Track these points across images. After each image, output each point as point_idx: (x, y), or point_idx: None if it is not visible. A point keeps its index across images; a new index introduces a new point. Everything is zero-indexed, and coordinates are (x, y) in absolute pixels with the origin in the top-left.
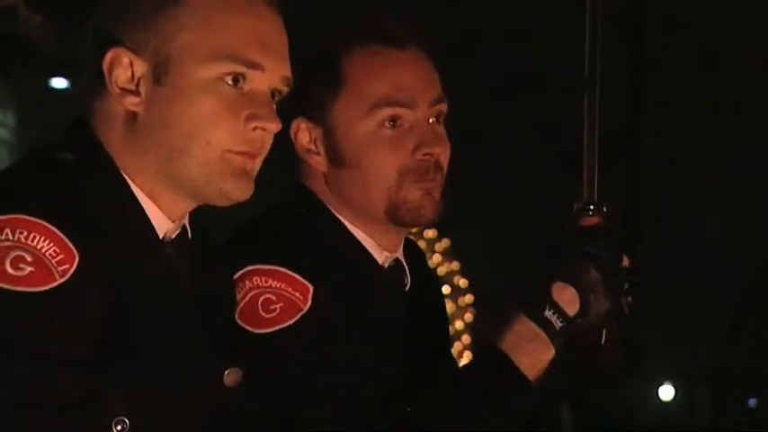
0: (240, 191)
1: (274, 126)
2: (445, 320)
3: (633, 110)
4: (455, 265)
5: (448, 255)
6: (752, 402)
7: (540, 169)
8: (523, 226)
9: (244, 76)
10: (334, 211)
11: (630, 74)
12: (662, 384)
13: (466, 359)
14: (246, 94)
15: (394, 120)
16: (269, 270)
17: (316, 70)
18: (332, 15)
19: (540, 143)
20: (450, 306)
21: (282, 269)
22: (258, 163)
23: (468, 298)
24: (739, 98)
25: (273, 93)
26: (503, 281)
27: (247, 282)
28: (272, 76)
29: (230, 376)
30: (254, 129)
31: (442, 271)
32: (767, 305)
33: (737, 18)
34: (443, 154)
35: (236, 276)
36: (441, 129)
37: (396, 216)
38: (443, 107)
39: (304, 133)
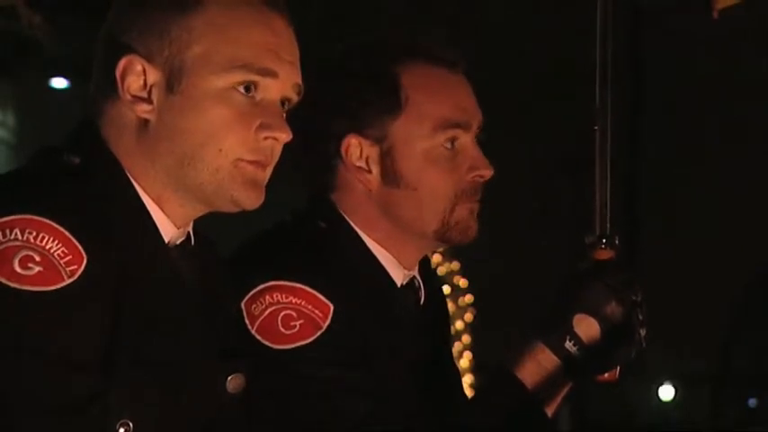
0: (250, 199)
1: (285, 136)
2: (450, 329)
3: (632, 111)
4: (455, 265)
5: (448, 255)
6: (752, 402)
7: (540, 169)
8: (523, 226)
9: (256, 85)
10: (358, 229)
11: (629, 74)
12: (662, 384)
13: (466, 359)
14: (258, 104)
15: (452, 141)
16: (291, 287)
17: (373, 89)
18: (383, 33)
19: (541, 143)
20: (450, 306)
21: (305, 287)
22: (269, 172)
23: (468, 298)
24: (740, 99)
25: (283, 101)
26: (503, 280)
27: (267, 296)
28: (285, 83)
29: (233, 382)
30: (266, 138)
31: (442, 271)
32: (767, 305)
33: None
34: (488, 177)
35: (256, 290)
36: None
37: (445, 235)
38: (479, 130)
39: (355, 149)
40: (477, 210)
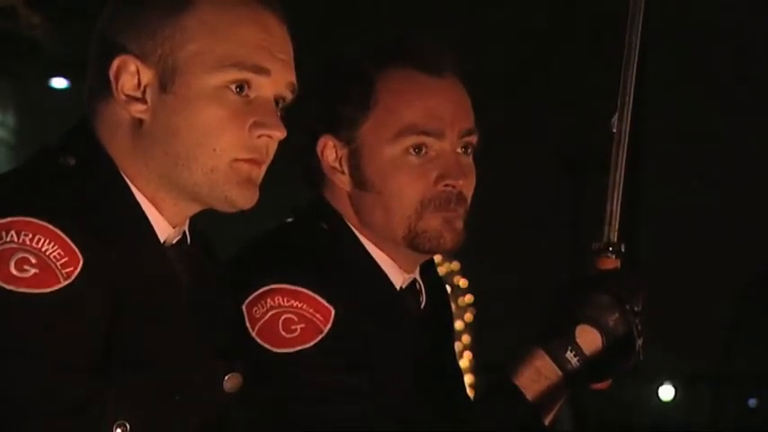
0: (245, 199)
1: (279, 134)
2: (453, 332)
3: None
4: (455, 265)
5: (448, 255)
6: (752, 402)
7: (540, 169)
8: (523, 226)
9: (249, 84)
10: (356, 231)
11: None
12: (662, 384)
13: (466, 359)
14: (252, 102)
15: (419, 147)
16: (293, 290)
17: (349, 88)
18: (371, 35)
19: (541, 143)
20: None
21: (306, 290)
22: (263, 170)
23: (468, 298)
24: (740, 98)
25: (278, 100)
26: (503, 280)
27: (269, 299)
28: (278, 81)
29: (230, 381)
30: (260, 136)
31: (441, 271)
32: (767, 305)
33: (738, 16)
34: (467, 186)
35: (258, 292)
36: (468, 160)
37: (414, 243)
38: (473, 138)
39: (330, 151)
40: (458, 219)
